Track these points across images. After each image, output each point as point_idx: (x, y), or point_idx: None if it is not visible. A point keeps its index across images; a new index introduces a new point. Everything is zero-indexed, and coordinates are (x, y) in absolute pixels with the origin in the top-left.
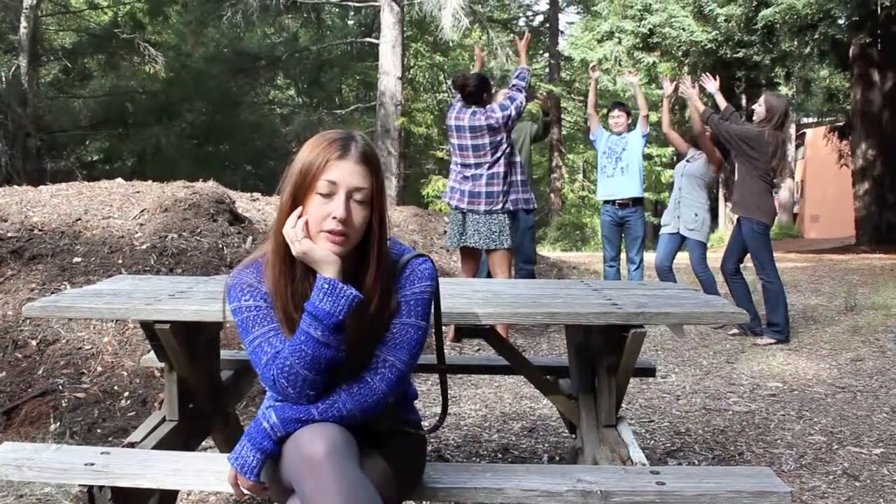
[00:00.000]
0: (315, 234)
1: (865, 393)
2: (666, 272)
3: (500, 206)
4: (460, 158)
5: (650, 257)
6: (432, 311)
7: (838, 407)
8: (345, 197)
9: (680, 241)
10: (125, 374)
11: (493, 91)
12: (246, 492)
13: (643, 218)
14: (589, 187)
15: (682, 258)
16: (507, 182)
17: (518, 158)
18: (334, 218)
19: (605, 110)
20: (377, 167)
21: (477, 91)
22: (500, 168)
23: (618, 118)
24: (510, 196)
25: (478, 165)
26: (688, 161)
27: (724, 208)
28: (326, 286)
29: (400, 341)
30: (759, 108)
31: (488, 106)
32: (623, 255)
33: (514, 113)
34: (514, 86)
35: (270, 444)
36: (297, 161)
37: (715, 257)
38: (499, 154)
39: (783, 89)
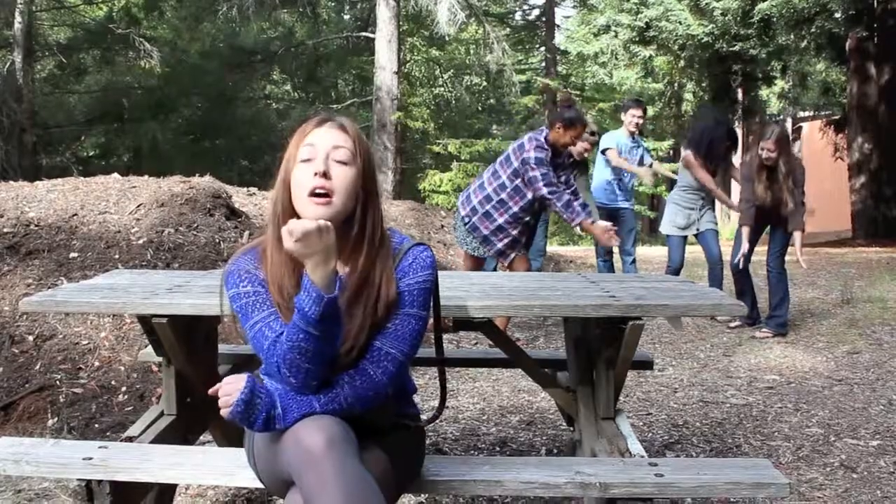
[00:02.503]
0: (303, 202)
1: (862, 385)
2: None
3: (465, 212)
4: None
5: (644, 251)
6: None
7: (835, 399)
8: (324, 156)
9: None
10: (122, 368)
11: (566, 133)
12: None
13: (633, 210)
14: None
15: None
16: (482, 204)
17: (514, 207)
18: (315, 174)
19: (601, 104)
20: (357, 135)
21: (552, 118)
22: (488, 188)
23: (638, 119)
24: (475, 217)
25: (490, 167)
26: None
27: (719, 206)
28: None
29: (402, 333)
30: (771, 155)
31: (539, 137)
32: (615, 249)
33: (528, 174)
34: (554, 185)
35: (260, 426)
36: (285, 151)
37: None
38: (498, 175)
39: (779, 83)
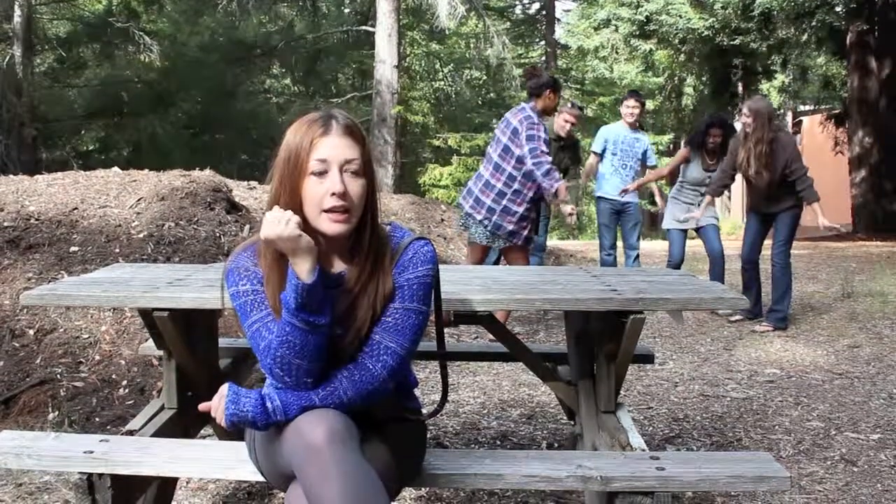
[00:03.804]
0: (316, 215)
1: (863, 379)
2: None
3: (480, 215)
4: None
5: (645, 245)
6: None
7: (836, 393)
8: (338, 171)
9: None
10: (123, 362)
11: (556, 97)
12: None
13: (638, 204)
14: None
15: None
16: (496, 202)
17: (529, 193)
18: (333, 194)
19: (602, 98)
20: (362, 137)
21: (532, 88)
22: (497, 184)
23: (633, 108)
24: (495, 216)
25: (488, 162)
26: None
27: (719, 201)
28: (298, 287)
29: (402, 327)
30: (747, 119)
31: (529, 113)
32: (619, 243)
33: (525, 143)
34: (539, 156)
35: (263, 422)
36: (282, 148)
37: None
38: (502, 168)
39: (779, 76)
